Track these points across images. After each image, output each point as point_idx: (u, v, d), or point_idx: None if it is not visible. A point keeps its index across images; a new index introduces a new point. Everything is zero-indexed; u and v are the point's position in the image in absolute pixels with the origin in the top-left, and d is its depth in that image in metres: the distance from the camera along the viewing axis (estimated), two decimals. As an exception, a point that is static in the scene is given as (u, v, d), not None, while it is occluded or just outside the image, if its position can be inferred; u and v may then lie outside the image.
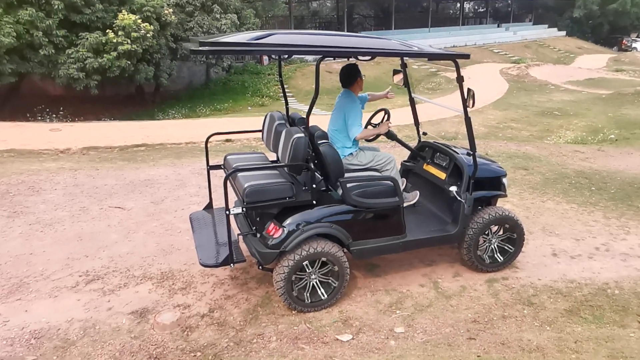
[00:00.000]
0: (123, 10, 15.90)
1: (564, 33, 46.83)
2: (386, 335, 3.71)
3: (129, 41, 15.57)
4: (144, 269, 4.61)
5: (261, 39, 3.47)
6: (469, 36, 38.66)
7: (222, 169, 4.77)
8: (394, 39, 4.26)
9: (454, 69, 4.05)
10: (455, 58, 4.10)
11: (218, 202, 4.84)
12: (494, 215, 4.41)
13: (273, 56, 5.48)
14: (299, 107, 20.34)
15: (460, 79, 4.01)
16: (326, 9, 46.73)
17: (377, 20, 44.88)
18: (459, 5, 47.80)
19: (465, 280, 4.49)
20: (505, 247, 4.64)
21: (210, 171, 4.84)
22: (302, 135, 3.79)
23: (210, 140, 4.88)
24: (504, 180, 4.67)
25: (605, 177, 7.81)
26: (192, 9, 19.48)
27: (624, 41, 47.99)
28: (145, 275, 4.51)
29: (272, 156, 4.91)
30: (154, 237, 5.29)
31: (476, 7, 53.06)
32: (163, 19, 17.25)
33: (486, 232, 4.50)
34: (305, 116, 3.93)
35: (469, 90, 4.09)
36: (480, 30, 42.76)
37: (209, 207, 4.94)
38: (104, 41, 15.53)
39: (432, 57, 4.12)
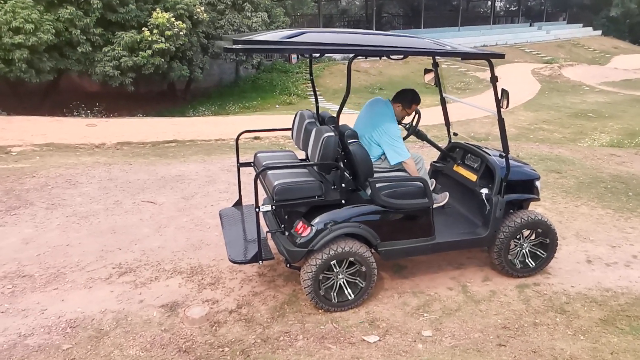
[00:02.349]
0: (157, 9, 16.17)
1: (599, 32, 45.49)
2: (413, 338, 3.69)
3: (163, 39, 15.84)
4: (174, 263, 4.70)
5: (293, 37, 3.47)
6: (500, 35, 37.95)
7: (252, 166, 4.79)
8: (426, 37, 4.21)
9: (484, 68, 4.00)
10: (490, 58, 4.03)
11: (247, 199, 4.88)
12: (526, 219, 4.32)
13: (305, 55, 5.47)
14: (326, 106, 20.35)
15: (494, 79, 3.94)
16: (355, 8, 46.52)
17: (406, 19, 44.44)
18: (490, 3, 46.95)
19: (495, 284, 4.42)
20: (537, 252, 4.54)
21: (240, 168, 4.88)
22: (332, 134, 3.78)
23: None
24: (537, 183, 4.57)
25: (643, 183, 7.58)
26: (224, 7, 19.67)
27: (664, 41, 46.43)
28: (176, 269, 4.59)
29: (301, 154, 4.94)
30: (184, 232, 5.39)
31: (508, 6, 51.99)
32: (195, 17, 17.48)
33: (518, 237, 4.41)
34: (335, 115, 3.92)
35: (503, 90, 4.00)
36: (512, 29, 41.91)
37: (238, 204, 4.98)
38: (138, 39, 15.84)
39: (466, 56, 4.05)
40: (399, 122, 4.60)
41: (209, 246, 5.06)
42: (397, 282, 4.46)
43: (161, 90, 21.45)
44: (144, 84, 19.55)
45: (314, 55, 5.40)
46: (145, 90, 20.53)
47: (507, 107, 4.01)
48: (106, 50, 15.69)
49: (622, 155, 9.53)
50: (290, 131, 5.07)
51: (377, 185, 3.90)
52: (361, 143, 3.99)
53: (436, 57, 4.82)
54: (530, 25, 44.40)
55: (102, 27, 15.68)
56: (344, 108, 3.74)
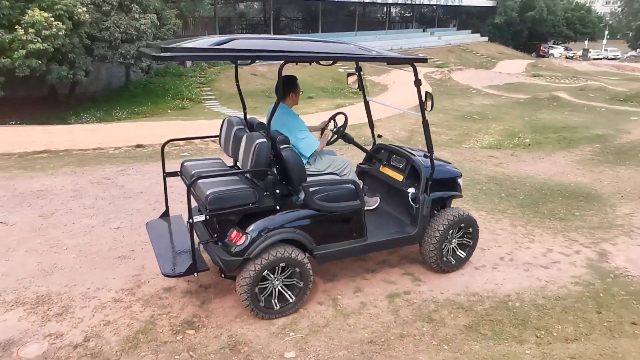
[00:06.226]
0: (35, 8, 14.79)
1: (486, 39, 49.21)
2: (275, 361, 3.45)
3: (39, 39, 14.51)
4: (17, 293, 4.14)
5: (223, 44, 3.42)
6: (395, 40, 39.56)
7: (178, 175, 4.61)
8: (352, 43, 4.29)
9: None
10: (413, 62, 4.18)
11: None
12: (457, 217, 4.49)
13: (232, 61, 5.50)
14: (221, 110, 19.81)
15: (418, 82, 4.06)
16: (253, 11, 46.15)
17: (305, 23, 44.88)
18: (385, 9, 48.82)
19: (365, 295, 4.31)
20: (464, 242, 4.74)
21: (167, 178, 4.70)
22: (265, 140, 3.74)
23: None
24: (460, 180, 4.78)
25: (515, 183, 7.97)
26: (109, 8, 18.45)
27: (541, 47, 51.53)
28: (18, 300, 4.04)
29: (229, 161, 4.81)
30: (36, 255, 4.80)
31: (402, 12, 54.44)
32: (76, 17, 16.27)
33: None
34: (264, 121, 3.91)
35: (427, 93, 4.17)
36: (406, 35, 43.88)
37: (165, 215, 4.80)
38: (9, 40, 14.36)
39: (391, 61, 4.24)
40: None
41: (62, 270, 4.53)
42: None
43: (41, 95, 19.72)
44: (21, 89, 17.85)
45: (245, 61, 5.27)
46: (23, 94, 18.74)
47: (431, 109, 4.18)
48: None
49: (499, 157, 10.06)
50: (218, 138, 4.91)
51: (311, 189, 3.90)
52: (293, 148, 3.97)
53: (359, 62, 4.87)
54: (424, 31, 46.82)
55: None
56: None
